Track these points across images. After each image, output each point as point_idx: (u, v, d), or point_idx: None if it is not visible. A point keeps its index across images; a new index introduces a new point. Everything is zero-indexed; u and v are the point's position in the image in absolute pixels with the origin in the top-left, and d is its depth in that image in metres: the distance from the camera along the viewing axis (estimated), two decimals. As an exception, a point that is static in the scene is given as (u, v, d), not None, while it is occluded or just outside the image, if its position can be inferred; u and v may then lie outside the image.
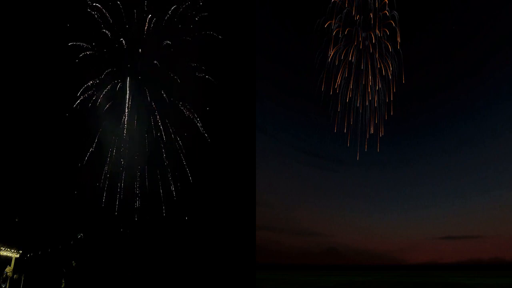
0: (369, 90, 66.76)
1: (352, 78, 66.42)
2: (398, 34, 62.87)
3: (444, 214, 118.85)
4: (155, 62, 50.83)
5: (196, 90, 50.85)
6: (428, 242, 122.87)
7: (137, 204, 50.27)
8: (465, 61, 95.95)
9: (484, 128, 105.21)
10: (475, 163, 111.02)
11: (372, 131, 69.59)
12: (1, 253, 39.53)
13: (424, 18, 75.71)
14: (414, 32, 78.16)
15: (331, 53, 65.19)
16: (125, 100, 50.51)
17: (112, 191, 49.83)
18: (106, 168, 49.62)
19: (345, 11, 63.39)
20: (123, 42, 50.31)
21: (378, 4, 62.82)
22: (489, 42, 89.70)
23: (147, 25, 50.57)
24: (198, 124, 51.40)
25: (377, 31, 63.67)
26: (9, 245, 41.03)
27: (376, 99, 67.47)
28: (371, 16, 63.17)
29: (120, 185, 49.84)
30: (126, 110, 50.40)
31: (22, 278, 41.53)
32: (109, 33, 49.97)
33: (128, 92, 50.41)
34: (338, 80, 66.37)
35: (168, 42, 50.71)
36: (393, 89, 66.70)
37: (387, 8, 62.69)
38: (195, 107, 51.59)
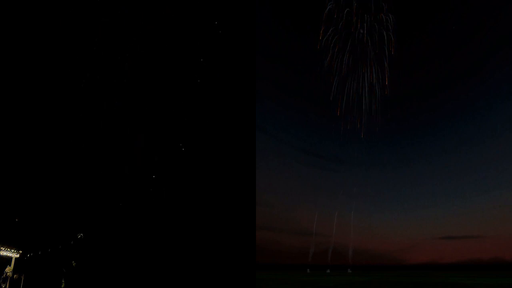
0: (367, 90, 66.82)
1: (350, 78, 66.46)
2: (394, 37, 62.89)
3: (444, 214, 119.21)
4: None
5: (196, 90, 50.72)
6: (428, 242, 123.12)
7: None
8: (465, 61, 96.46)
9: (484, 128, 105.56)
10: (475, 163, 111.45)
11: (372, 130, 69.55)
12: (1, 253, 39.51)
13: (424, 18, 75.86)
14: (414, 32, 78.37)
15: (330, 53, 65.28)
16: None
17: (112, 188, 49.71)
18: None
19: (343, 12, 63.50)
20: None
21: (377, 5, 62.90)
22: (489, 42, 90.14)
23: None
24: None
25: (375, 32, 63.71)
26: (9, 245, 41.00)
27: (375, 99, 67.51)
28: (370, 17, 63.26)
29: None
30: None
31: (22, 278, 41.53)
32: None
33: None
34: (337, 80, 66.40)
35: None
36: (391, 89, 66.72)
37: (386, 9, 62.79)
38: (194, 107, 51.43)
